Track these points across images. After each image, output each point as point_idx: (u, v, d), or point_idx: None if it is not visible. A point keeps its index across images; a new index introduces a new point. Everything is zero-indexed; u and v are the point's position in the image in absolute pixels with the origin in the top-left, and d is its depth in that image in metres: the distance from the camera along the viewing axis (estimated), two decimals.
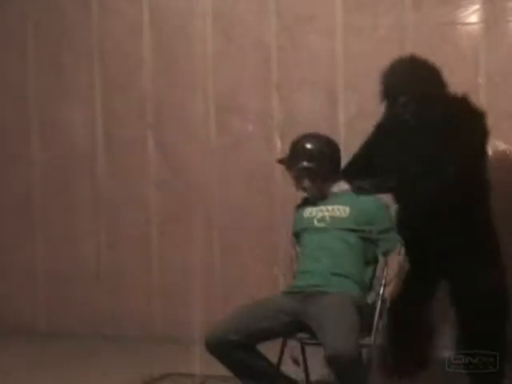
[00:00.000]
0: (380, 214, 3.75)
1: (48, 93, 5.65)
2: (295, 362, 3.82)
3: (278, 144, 5.13)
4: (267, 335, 3.56)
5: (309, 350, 3.86)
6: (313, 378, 3.93)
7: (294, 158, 3.84)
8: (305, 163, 3.77)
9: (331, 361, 3.26)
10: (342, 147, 4.65)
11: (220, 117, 5.27)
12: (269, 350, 3.64)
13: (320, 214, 3.79)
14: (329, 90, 5.03)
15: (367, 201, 3.77)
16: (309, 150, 3.80)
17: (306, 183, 3.81)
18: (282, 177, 5.08)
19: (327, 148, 3.83)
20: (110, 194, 5.55)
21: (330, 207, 3.79)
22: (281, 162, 3.93)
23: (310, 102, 5.07)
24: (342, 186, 3.86)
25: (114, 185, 5.54)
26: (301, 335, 3.69)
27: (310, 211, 3.84)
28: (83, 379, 4.58)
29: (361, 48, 4.96)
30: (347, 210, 3.75)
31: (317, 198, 3.84)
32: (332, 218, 3.76)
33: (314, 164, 3.77)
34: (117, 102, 5.52)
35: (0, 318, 5.74)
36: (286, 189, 4.96)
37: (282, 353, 3.71)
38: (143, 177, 5.46)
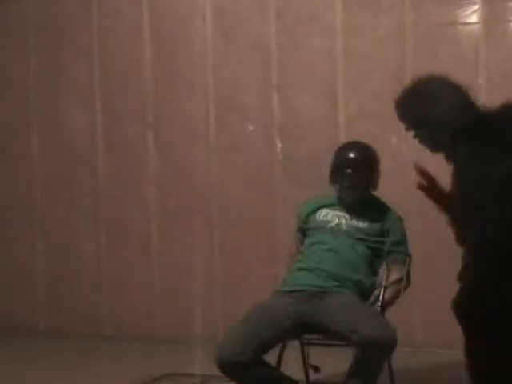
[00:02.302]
0: (395, 228, 3.80)
1: (48, 93, 5.65)
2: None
3: (278, 144, 5.13)
4: (273, 344, 3.57)
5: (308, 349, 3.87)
6: (312, 378, 3.94)
7: (344, 166, 3.82)
8: (356, 171, 3.78)
9: (371, 345, 3.28)
10: None
11: (220, 117, 5.27)
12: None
13: (336, 220, 3.81)
14: (329, 90, 5.03)
15: (384, 213, 3.82)
16: (361, 157, 3.84)
17: (348, 188, 3.80)
18: (281, 177, 5.09)
19: (371, 158, 3.86)
20: (110, 194, 5.55)
21: (347, 215, 3.80)
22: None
23: (310, 101, 5.07)
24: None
25: (114, 185, 5.54)
26: (305, 336, 3.69)
27: (325, 213, 3.85)
28: (83, 379, 4.58)
29: (361, 48, 4.96)
30: (365, 221, 3.78)
31: (348, 204, 3.83)
32: (348, 226, 3.78)
33: (363, 174, 3.79)
34: (117, 102, 5.52)
35: (0, 318, 5.74)
36: (286, 189, 4.97)
37: (281, 354, 3.72)
38: (143, 177, 5.46)
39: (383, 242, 3.74)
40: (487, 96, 4.72)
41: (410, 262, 3.78)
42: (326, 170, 3.92)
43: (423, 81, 3.05)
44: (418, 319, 4.80)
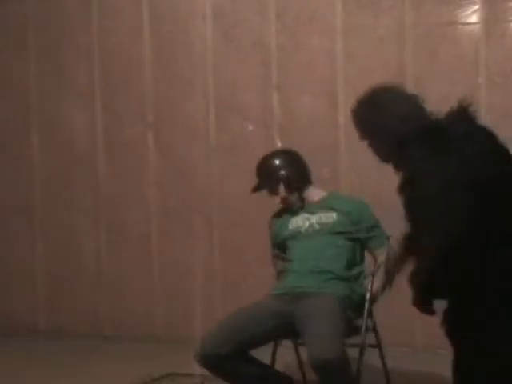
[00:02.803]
0: (365, 213, 3.82)
1: (48, 93, 5.65)
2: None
3: (278, 144, 5.13)
4: (257, 341, 3.57)
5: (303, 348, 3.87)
6: (309, 377, 3.94)
7: (263, 177, 3.90)
8: (275, 175, 3.85)
9: (315, 367, 3.29)
10: (341, 147, 4.68)
11: (220, 117, 5.27)
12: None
13: (307, 223, 3.83)
14: (329, 90, 5.03)
15: (350, 202, 3.87)
16: (274, 163, 3.90)
17: (283, 192, 3.85)
18: None
19: (289, 157, 3.93)
20: (110, 194, 5.55)
21: (316, 215, 3.83)
22: (255, 189, 3.94)
23: (310, 101, 5.07)
24: (313, 190, 3.92)
25: (114, 185, 5.54)
26: (293, 337, 3.70)
27: (295, 221, 3.87)
28: (83, 379, 4.58)
29: (361, 48, 4.96)
30: (334, 214, 3.80)
31: (297, 206, 3.87)
32: (320, 224, 3.81)
33: (284, 172, 3.84)
34: (117, 102, 5.52)
35: (0, 318, 5.74)
36: None
37: (274, 354, 3.73)
38: (143, 177, 5.46)
39: (360, 229, 3.76)
40: (487, 96, 4.73)
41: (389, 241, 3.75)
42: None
43: (377, 91, 3.07)
44: (418, 319, 4.80)
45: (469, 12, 4.77)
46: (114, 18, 5.51)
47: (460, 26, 4.81)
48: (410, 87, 4.78)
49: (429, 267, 2.79)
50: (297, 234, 3.84)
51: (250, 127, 5.23)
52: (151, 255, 5.46)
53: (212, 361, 3.48)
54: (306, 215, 3.85)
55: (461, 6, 4.79)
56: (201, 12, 5.29)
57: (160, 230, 5.44)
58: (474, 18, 4.77)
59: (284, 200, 3.87)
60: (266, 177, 3.89)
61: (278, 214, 3.97)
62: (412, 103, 3.02)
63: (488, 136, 2.97)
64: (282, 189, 3.84)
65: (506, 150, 2.96)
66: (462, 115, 2.94)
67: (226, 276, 5.28)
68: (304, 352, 3.74)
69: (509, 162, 2.92)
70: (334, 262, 3.69)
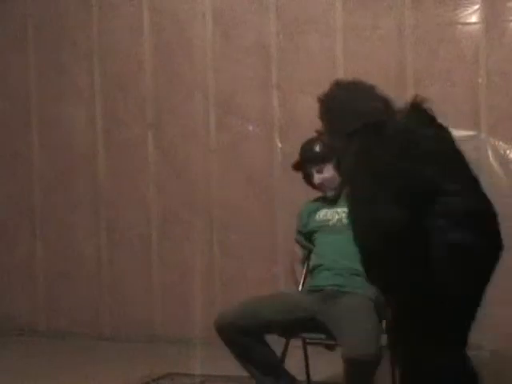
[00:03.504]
0: None
1: (48, 93, 5.65)
2: None
3: (278, 144, 5.13)
4: (279, 328, 3.60)
5: (310, 349, 3.87)
6: (314, 377, 3.94)
7: (306, 154, 3.84)
8: (329, 153, 3.73)
9: (351, 362, 3.27)
10: None
11: (220, 117, 5.27)
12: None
13: (336, 216, 3.81)
14: None
15: None
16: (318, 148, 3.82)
17: (329, 171, 3.77)
18: (281, 177, 5.08)
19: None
20: (110, 193, 5.54)
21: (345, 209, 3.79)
22: (296, 165, 3.90)
23: (309, 102, 5.03)
24: None
25: (114, 185, 5.54)
26: (305, 334, 3.70)
27: (324, 213, 3.85)
28: (83, 379, 4.58)
29: (361, 48, 4.96)
30: None
31: (331, 195, 3.83)
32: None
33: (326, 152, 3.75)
34: (117, 102, 5.51)
35: (0, 318, 5.74)
36: (286, 189, 4.97)
37: (285, 351, 3.72)
38: (143, 177, 5.46)
39: None
40: (487, 96, 4.73)
41: None
42: None
43: (336, 86, 3.12)
44: None
45: (469, 12, 4.77)
46: (114, 17, 5.51)
47: (460, 26, 4.81)
48: (410, 87, 4.82)
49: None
50: (324, 227, 3.82)
51: (250, 127, 5.23)
52: (151, 255, 5.45)
53: (228, 329, 3.51)
54: (337, 209, 3.81)
55: (461, 6, 4.78)
56: (201, 12, 5.29)
57: (160, 230, 5.44)
58: (473, 18, 4.77)
59: (324, 181, 3.81)
60: (317, 153, 3.80)
61: (311, 202, 3.94)
62: (368, 99, 3.00)
63: (437, 135, 2.88)
64: (329, 168, 3.79)
65: (454, 152, 2.87)
66: (415, 113, 2.91)
67: (225, 276, 5.27)
68: (312, 353, 3.75)
69: (451, 164, 2.84)
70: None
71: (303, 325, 3.62)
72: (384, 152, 2.77)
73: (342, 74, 4.96)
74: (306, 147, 3.87)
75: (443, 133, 2.91)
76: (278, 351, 3.69)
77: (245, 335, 3.51)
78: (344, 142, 2.93)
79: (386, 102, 2.97)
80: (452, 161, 2.84)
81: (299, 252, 3.98)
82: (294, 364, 3.78)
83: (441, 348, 2.72)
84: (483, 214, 2.78)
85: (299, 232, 3.97)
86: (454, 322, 2.74)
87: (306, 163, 3.86)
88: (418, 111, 2.91)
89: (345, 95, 3.09)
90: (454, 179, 2.77)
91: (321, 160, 3.79)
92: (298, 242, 3.97)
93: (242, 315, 3.53)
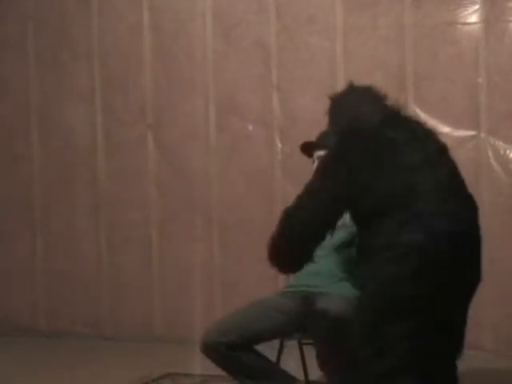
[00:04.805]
0: None
1: (48, 93, 5.65)
2: None
3: (278, 144, 5.13)
4: (264, 336, 3.54)
5: (308, 350, 3.87)
6: (312, 376, 3.93)
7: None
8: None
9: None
10: None
11: (220, 117, 5.27)
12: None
13: None
14: (329, 90, 5.00)
15: None
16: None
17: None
18: (282, 177, 5.09)
19: None
20: (110, 193, 5.55)
21: None
22: (306, 147, 3.87)
23: (309, 102, 5.07)
24: None
25: (114, 185, 5.54)
26: (299, 335, 3.69)
27: None
28: (83, 379, 4.59)
29: (361, 48, 4.96)
30: None
31: None
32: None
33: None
34: (117, 102, 5.52)
35: (0, 318, 5.74)
36: (286, 189, 4.97)
37: (279, 353, 3.71)
38: (143, 177, 5.46)
39: None
40: (487, 96, 4.73)
41: None
42: None
43: (345, 89, 3.24)
44: None
45: (469, 12, 4.77)
46: (114, 17, 5.51)
47: (460, 26, 4.81)
48: (410, 87, 4.82)
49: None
50: None
51: (250, 127, 5.23)
52: (151, 255, 5.46)
53: (214, 349, 3.42)
54: None
55: (461, 6, 4.79)
56: (201, 12, 5.29)
57: (160, 230, 5.44)
58: (473, 18, 4.77)
59: None
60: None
61: None
62: (369, 107, 3.06)
63: (413, 139, 2.91)
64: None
65: (431, 159, 2.87)
66: (395, 119, 2.99)
67: (225, 276, 5.28)
68: (311, 352, 3.74)
69: (427, 171, 2.85)
70: (346, 263, 3.64)
71: (287, 329, 3.58)
72: (348, 158, 2.91)
73: (341, 73, 4.96)
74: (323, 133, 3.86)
75: (430, 143, 2.93)
76: (275, 352, 3.68)
77: (232, 351, 3.43)
78: (332, 140, 3.10)
79: (389, 113, 3.01)
80: (429, 172, 2.84)
81: None
82: (292, 363, 3.78)
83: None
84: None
85: None
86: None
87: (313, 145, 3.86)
88: (399, 118, 3.00)
89: (350, 98, 3.17)
90: (426, 192, 2.79)
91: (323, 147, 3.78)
92: None
93: (226, 331, 3.43)
